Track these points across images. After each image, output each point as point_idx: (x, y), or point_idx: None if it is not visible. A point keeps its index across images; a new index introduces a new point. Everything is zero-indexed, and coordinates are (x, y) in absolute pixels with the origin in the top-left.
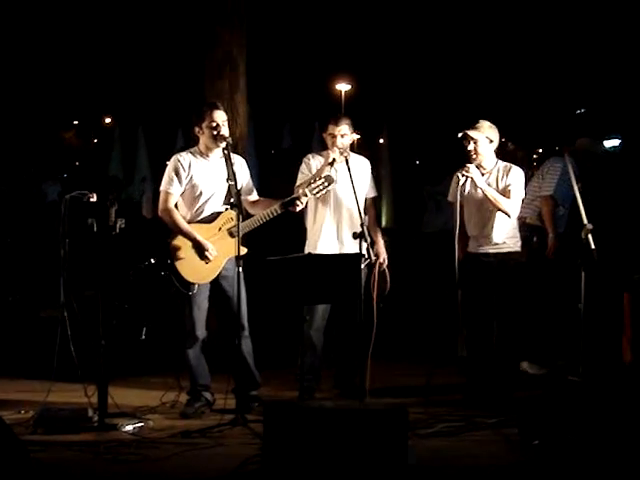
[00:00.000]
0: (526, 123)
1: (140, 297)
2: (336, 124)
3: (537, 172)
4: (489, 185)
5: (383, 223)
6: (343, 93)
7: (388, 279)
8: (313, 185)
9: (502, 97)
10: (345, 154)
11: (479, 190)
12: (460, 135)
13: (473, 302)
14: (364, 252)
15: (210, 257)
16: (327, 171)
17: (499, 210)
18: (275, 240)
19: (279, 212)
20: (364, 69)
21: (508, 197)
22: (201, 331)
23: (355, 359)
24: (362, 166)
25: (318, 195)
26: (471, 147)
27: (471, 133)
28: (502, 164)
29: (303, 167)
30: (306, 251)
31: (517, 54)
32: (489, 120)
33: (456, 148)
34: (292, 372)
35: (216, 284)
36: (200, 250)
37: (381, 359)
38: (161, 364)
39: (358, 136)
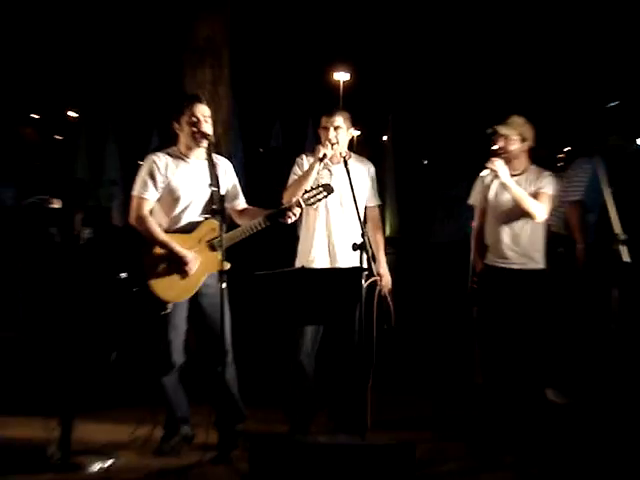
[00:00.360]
0: (550, 118)
1: (109, 317)
2: (329, 115)
3: (563, 175)
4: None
5: (387, 232)
6: (342, 84)
7: (392, 308)
8: (308, 194)
9: (523, 87)
10: (343, 153)
11: (506, 193)
12: (489, 131)
13: (491, 321)
14: (365, 266)
15: (190, 271)
16: (317, 168)
17: (525, 211)
18: (262, 252)
19: (267, 224)
20: (365, 56)
21: (538, 200)
22: (178, 356)
23: (354, 388)
24: (363, 169)
25: (314, 206)
26: (500, 144)
27: (501, 129)
28: (535, 168)
29: (295, 168)
30: (298, 265)
31: (540, 38)
32: (519, 115)
33: (471, 146)
34: (282, 403)
35: (195, 303)
36: (179, 263)
37: (384, 388)
38: (133, 394)
39: (358, 132)
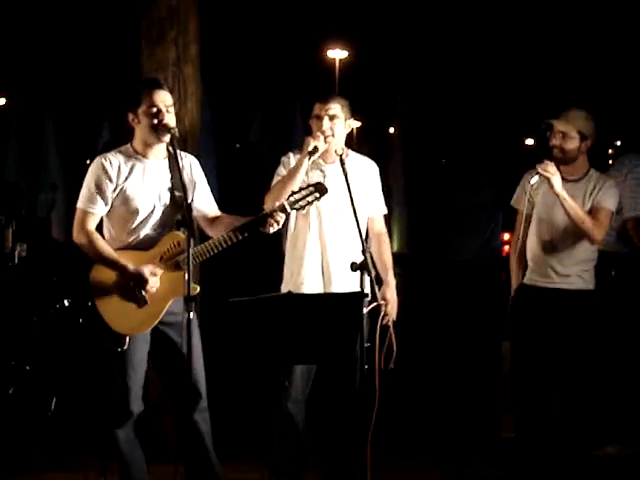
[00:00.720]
0: (597, 107)
1: (48, 355)
2: (323, 102)
3: (611, 174)
4: (572, 198)
5: (394, 247)
6: (338, 63)
7: (394, 339)
8: (295, 196)
9: (560, 69)
10: (339, 150)
11: (557, 205)
12: (543, 126)
13: (529, 358)
14: (367, 290)
15: (148, 294)
16: (306, 165)
17: (580, 228)
18: (241, 272)
19: (244, 236)
20: (366, 29)
21: (596, 218)
22: (136, 404)
23: (351, 442)
24: (366, 170)
25: (303, 211)
26: (556, 141)
27: (558, 124)
28: (597, 174)
29: (280, 169)
30: (284, 288)
31: (583, 17)
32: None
33: (500, 142)
34: (265, 460)
35: (159, 335)
36: (133, 285)
37: (388, 444)
38: (78, 450)
39: (358, 123)
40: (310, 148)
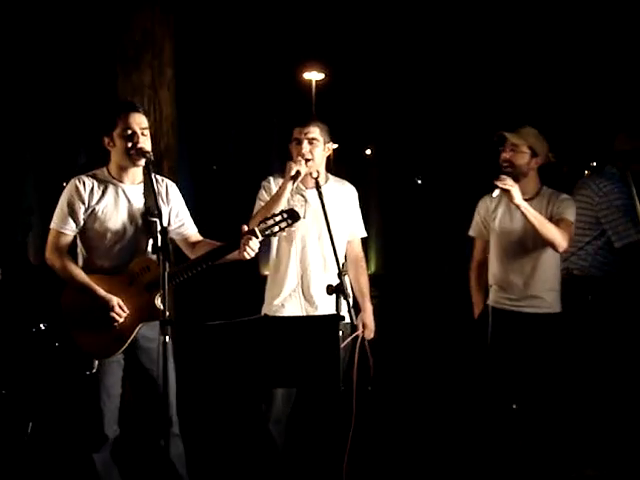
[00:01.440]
0: (572, 129)
1: (25, 378)
2: (303, 126)
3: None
4: None
5: (370, 269)
6: (314, 85)
7: (371, 361)
8: (268, 222)
9: (536, 90)
10: (315, 174)
11: (515, 220)
12: (495, 138)
13: (497, 377)
14: (344, 313)
15: (117, 320)
16: (289, 190)
17: (544, 239)
18: (216, 296)
19: (216, 261)
20: (343, 51)
21: (559, 229)
22: (110, 428)
23: (331, 466)
24: (345, 194)
25: (274, 236)
26: (507, 155)
27: (510, 136)
28: (549, 191)
29: (262, 193)
30: (264, 311)
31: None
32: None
33: (479, 160)
34: None
35: (132, 360)
36: (102, 310)
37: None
38: (55, 475)
39: (335, 145)
40: (292, 172)
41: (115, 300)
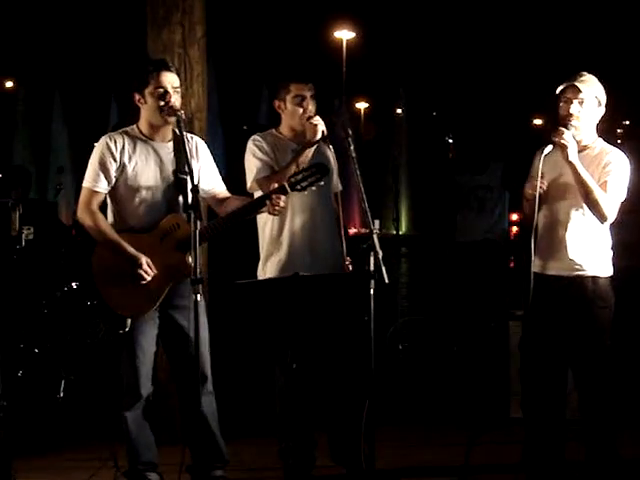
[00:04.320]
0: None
1: (57, 338)
2: (305, 82)
3: None
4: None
5: (402, 229)
6: (345, 44)
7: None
8: (297, 177)
9: (567, 48)
10: (324, 127)
11: (564, 176)
12: (560, 89)
13: (539, 344)
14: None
15: (145, 277)
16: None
17: (591, 206)
18: (248, 256)
19: (245, 217)
20: (374, 10)
21: (604, 190)
22: (145, 387)
23: (356, 421)
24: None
25: (304, 191)
26: (575, 109)
27: (579, 86)
28: (603, 144)
29: (255, 151)
30: (261, 272)
31: None
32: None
33: (508, 120)
34: (274, 441)
35: (167, 318)
36: (132, 268)
37: (398, 423)
38: (88, 433)
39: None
40: (319, 135)
41: (144, 258)
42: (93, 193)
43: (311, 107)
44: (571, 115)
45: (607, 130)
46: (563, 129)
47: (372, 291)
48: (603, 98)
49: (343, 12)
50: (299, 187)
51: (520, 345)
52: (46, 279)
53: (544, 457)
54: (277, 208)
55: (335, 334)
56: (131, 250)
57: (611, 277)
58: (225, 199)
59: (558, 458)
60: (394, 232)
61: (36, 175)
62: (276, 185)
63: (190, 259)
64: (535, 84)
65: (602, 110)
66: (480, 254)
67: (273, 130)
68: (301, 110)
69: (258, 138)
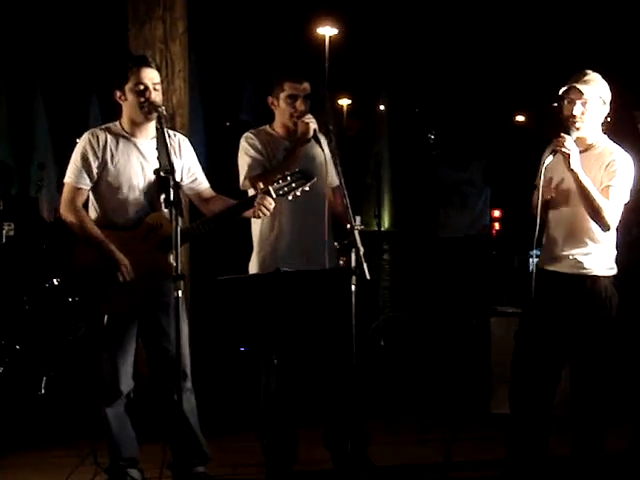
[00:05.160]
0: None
1: (38, 334)
2: (299, 81)
3: None
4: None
5: (384, 225)
6: (328, 40)
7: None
8: (282, 182)
9: (552, 45)
10: (316, 125)
11: (566, 181)
12: (562, 91)
13: (534, 337)
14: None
15: (121, 279)
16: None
17: (593, 215)
18: (230, 252)
19: (228, 219)
20: (356, 6)
21: (606, 197)
22: (125, 383)
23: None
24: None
25: (290, 197)
26: (578, 110)
27: (582, 87)
28: (606, 143)
29: (248, 149)
30: (252, 269)
31: None
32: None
33: (491, 116)
34: (255, 438)
35: (148, 315)
36: (112, 267)
37: (383, 419)
38: (69, 430)
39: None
40: (311, 133)
41: (125, 262)
42: (76, 190)
43: (303, 106)
44: (574, 117)
45: None
46: (565, 136)
47: (353, 287)
48: (607, 96)
49: (326, 8)
50: (282, 192)
51: (516, 335)
52: (27, 275)
53: (526, 451)
54: (263, 210)
55: (317, 330)
56: (114, 251)
57: (614, 277)
58: (209, 198)
59: (540, 452)
60: (376, 228)
61: (17, 171)
62: (261, 186)
63: (172, 259)
64: (518, 81)
65: (607, 108)
66: (462, 250)
67: (267, 126)
68: (292, 109)
69: (251, 135)
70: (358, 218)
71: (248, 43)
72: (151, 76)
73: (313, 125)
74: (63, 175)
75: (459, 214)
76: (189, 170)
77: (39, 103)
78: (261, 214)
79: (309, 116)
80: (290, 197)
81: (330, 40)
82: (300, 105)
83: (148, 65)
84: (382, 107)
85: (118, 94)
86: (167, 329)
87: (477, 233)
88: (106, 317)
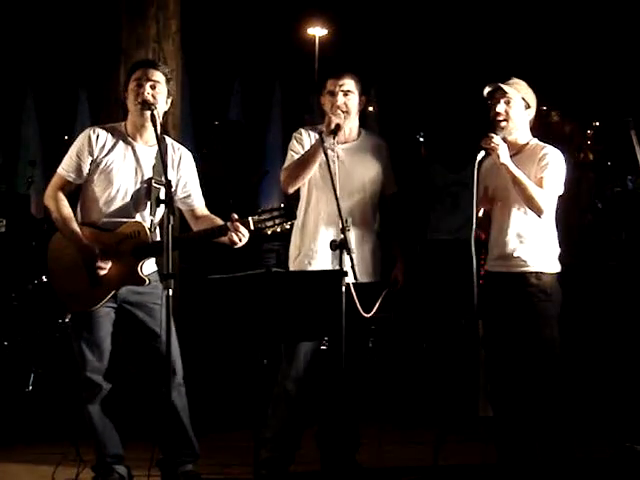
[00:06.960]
0: (578, 85)
1: (26, 331)
2: (337, 77)
3: None
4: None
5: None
6: (317, 40)
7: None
8: (264, 216)
9: (542, 47)
10: (355, 129)
11: (501, 178)
12: (487, 90)
13: (495, 341)
14: (347, 269)
15: (96, 273)
16: (328, 143)
17: (527, 202)
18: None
19: (205, 241)
20: (346, 7)
21: (540, 187)
22: (103, 380)
23: (342, 415)
24: (377, 148)
25: (269, 232)
26: (501, 108)
27: (506, 87)
28: (536, 142)
29: (294, 145)
30: (292, 264)
31: None
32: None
33: (482, 117)
34: (245, 436)
35: (124, 314)
36: (83, 260)
37: (371, 420)
38: (55, 426)
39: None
40: (333, 126)
41: (95, 250)
42: (63, 179)
43: (338, 101)
44: (499, 114)
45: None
46: (492, 134)
47: (344, 289)
48: (532, 101)
49: (316, 9)
50: (262, 226)
51: (482, 342)
52: (16, 272)
53: (514, 454)
54: (235, 239)
55: (310, 332)
56: (84, 240)
57: (558, 273)
58: (200, 217)
59: (529, 455)
60: None
61: (5, 167)
62: (236, 217)
63: (142, 268)
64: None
65: (532, 112)
66: (451, 252)
67: (319, 125)
68: (330, 105)
69: (300, 131)
70: (349, 219)
71: (238, 43)
72: (150, 75)
73: (336, 120)
74: (51, 173)
75: (449, 216)
76: (184, 185)
77: (29, 100)
78: (236, 242)
79: (337, 111)
80: (269, 232)
81: (320, 41)
82: (336, 100)
83: (150, 65)
84: (371, 108)
85: (124, 96)
86: (150, 326)
87: (466, 235)
88: (69, 315)
